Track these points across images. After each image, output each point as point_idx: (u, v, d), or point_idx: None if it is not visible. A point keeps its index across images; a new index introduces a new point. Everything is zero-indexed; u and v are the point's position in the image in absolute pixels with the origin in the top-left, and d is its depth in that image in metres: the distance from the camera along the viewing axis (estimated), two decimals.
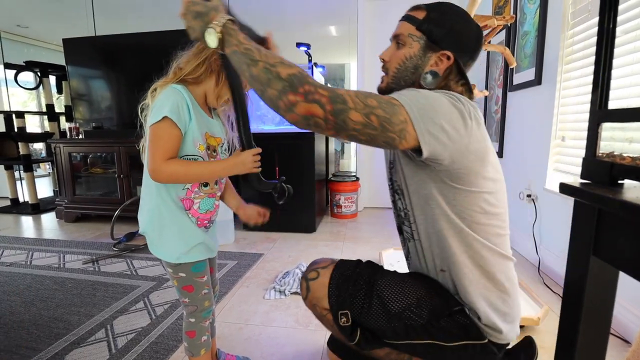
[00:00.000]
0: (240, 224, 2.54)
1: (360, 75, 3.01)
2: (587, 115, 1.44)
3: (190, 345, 0.89)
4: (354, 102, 0.62)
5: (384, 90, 0.79)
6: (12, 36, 3.57)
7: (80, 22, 3.31)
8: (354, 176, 3.02)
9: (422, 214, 0.77)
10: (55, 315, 1.41)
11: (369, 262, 0.91)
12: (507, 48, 1.31)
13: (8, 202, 3.48)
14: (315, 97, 0.60)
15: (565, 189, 0.56)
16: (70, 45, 2.88)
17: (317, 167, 2.54)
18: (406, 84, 0.76)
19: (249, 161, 0.80)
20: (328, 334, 1.25)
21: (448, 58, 0.73)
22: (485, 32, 1.33)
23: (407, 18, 0.76)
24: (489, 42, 1.35)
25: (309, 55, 2.66)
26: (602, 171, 0.54)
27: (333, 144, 3.33)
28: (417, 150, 0.66)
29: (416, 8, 0.77)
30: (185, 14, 0.68)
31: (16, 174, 3.47)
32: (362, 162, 3.14)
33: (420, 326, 0.75)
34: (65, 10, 3.39)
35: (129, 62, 2.86)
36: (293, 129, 2.51)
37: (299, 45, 2.60)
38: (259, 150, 0.82)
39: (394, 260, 1.74)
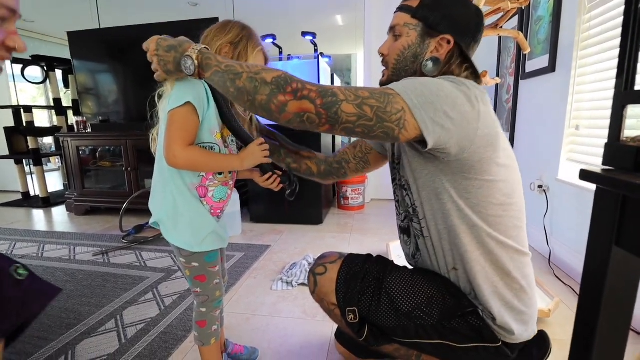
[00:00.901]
0: (248, 216, 2.54)
1: (368, 66, 2.96)
2: (604, 103, 1.40)
3: (200, 335, 0.90)
4: (344, 94, 0.61)
5: (385, 83, 0.76)
6: (18, 30, 3.58)
7: (84, 16, 3.31)
8: None
9: (432, 209, 0.74)
10: (66, 306, 1.42)
11: (379, 257, 0.89)
12: (520, 33, 1.27)
13: (19, 196, 3.54)
14: (304, 93, 0.60)
15: (586, 175, 0.53)
16: (75, 39, 2.88)
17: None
18: (407, 74, 0.73)
19: (257, 151, 0.81)
20: (335, 325, 1.25)
21: (448, 42, 0.70)
22: (498, 16, 1.28)
23: (401, 8, 0.74)
24: (501, 27, 1.30)
25: (315, 45, 2.62)
26: (626, 157, 0.51)
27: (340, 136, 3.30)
28: (422, 142, 0.63)
29: None
30: (157, 50, 0.69)
31: (27, 168, 3.51)
32: None
33: (430, 326, 0.73)
34: (69, 4, 3.38)
35: (134, 55, 2.86)
36: None
37: (304, 34, 2.56)
38: (262, 139, 0.83)
39: (402, 252, 1.72)
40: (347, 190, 2.82)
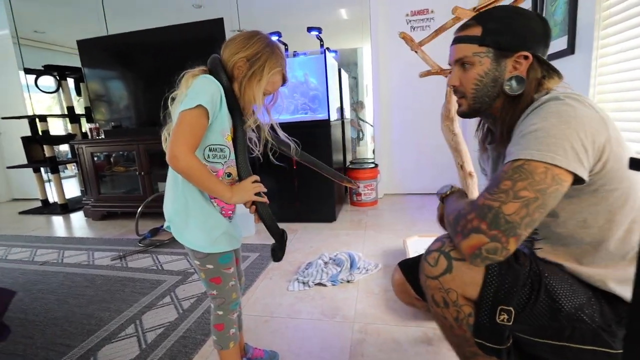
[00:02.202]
0: None
1: (375, 59, 2.89)
2: (630, 84, 1.31)
3: (219, 339, 0.89)
4: (496, 200, 0.59)
5: (467, 112, 0.78)
6: (30, 42, 3.66)
7: (92, 24, 3.34)
8: (373, 162, 2.95)
9: (565, 238, 0.69)
10: (87, 311, 1.44)
11: (520, 250, 0.80)
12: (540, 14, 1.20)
13: (39, 204, 3.63)
14: (468, 227, 0.61)
15: (636, 164, 0.47)
16: (85, 47, 2.91)
17: (335, 155, 2.49)
18: (490, 99, 0.73)
19: (249, 187, 0.81)
20: (356, 325, 1.23)
21: (525, 57, 0.69)
22: None
23: (462, 40, 0.73)
24: None
25: (321, 40, 2.58)
26: None
27: (349, 131, 3.25)
28: (577, 180, 0.60)
29: (466, 26, 0.73)
30: None
31: (45, 176, 3.60)
32: (380, 148, 3.05)
33: (589, 330, 0.65)
34: (77, 13, 3.43)
35: (141, 59, 2.88)
36: (308, 117, 2.46)
37: (310, 29, 2.52)
38: (257, 177, 0.83)
39: (420, 249, 1.68)
40: (359, 186, 2.78)
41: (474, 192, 1.40)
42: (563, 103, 0.61)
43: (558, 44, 1.71)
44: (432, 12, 2.74)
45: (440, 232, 0.84)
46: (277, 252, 0.90)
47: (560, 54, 1.69)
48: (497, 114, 0.75)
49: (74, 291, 1.64)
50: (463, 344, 0.72)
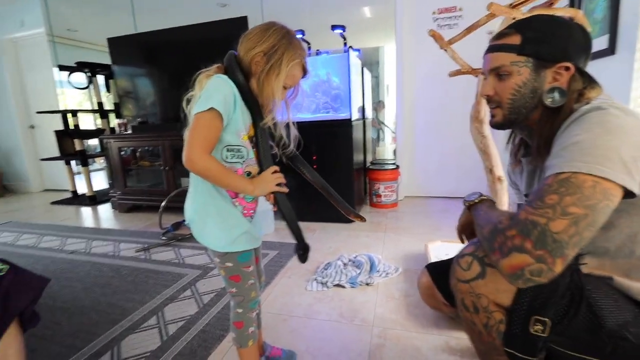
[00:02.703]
0: (279, 213, 2.55)
1: (400, 58, 2.84)
2: None
3: (238, 336, 0.89)
4: (542, 216, 0.54)
5: (502, 123, 0.75)
6: (63, 40, 3.82)
7: (122, 22, 3.45)
8: (394, 164, 2.90)
9: (613, 252, 0.66)
10: (112, 301, 1.49)
11: None
12: (579, 11, 1.14)
13: (69, 195, 3.79)
14: (508, 244, 0.56)
15: None
16: (115, 44, 3.01)
17: (355, 155, 2.46)
18: (527, 110, 0.71)
19: (269, 179, 0.80)
20: (375, 330, 1.21)
21: (567, 69, 0.66)
22: None
23: (499, 47, 0.70)
24: (555, 6, 1.18)
25: (344, 38, 2.56)
26: None
27: (370, 130, 3.22)
28: (627, 194, 0.57)
29: (503, 35, 0.70)
30: None
31: (75, 168, 3.76)
32: (401, 149, 3.00)
33: (634, 349, 0.61)
34: (108, 12, 3.55)
35: (167, 57, 2.95)
36: (329, 116, 2.45)
37: (334, 27, 2.50)
38: (276, 167, 0.82)
39: (442, 254, 1.64)
40: (379, 188, 2.74)
41: (503, 198, 1.34)
42: (607, 113, 0.58)
43: (597, 43, 1.62)
44: (460, 9, 2.66)
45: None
46: (303, 253, 0.88)
47: (600, 54, 1.60)
48: (534, 125, 0.72)
49: (100, 280, 1.69)
50: (491, 352, 0.69)
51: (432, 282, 0.95)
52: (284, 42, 0.77)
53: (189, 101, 0.77)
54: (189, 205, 0.83)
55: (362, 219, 0.98)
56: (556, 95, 0.66)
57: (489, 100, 0.75)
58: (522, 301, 0.63)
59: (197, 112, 0.71)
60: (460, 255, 0.70)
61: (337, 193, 0.98)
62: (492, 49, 0.73)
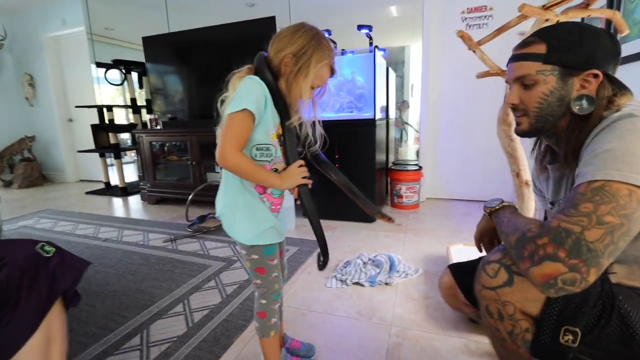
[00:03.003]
0: (300, 211, 2.58)
1: (426, 58, 2.81)
2: None
3: (261, 326, 0.93)
4: (577, 224, 0.54)
5: (528, 131, 0.74)
6: (101, 38, 4.02)
7: (156, 21, 3.59)
8: (416, 164, 2.87)
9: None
10: (141, 287, 1.57)
11: None
12: (617, 12, 1.10)
13: (102, 185, 4.00)
14: (540, 253, 0.55)
15: None
16: (149, 43, 3.14)
17: (378, 155, 2.46)
18: (555, 118, 0.70)
19: (296, 172, 0.84)
20: (393, 329, 1.22)
21: (594, 76, 0.66)
22: None
23: (524, 57, 0.70)
24: (592, 7, 1.14)
25: (370, 38, 2.55)
26: None
27: (393, 131, 3.20)
28: None
29: (528, 43, 0.70)
30: None
31: (108, 160, 3.96)
32: (424, 150, 2.97)
33: None
34: (143, 11, 3.71)
35: (197, 56, 3.04)
36: (353, 115, 2.46)
37: (360, 27, 2.50)
38: (302, 162, 0.85)
39: (463, 257, 1.62)
40: (401, 188, 2.73)
41: (530, 203, 1.31)
42: (639, 119, 0.57)
43: (638, 45, 1.54)
44: (490, 9, 2.59)
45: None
46: (323, 264, 0.92)
47: (638, 56, 1.52)
48: (562, 133, 0.71)
49: (130, 267, 1.79)
50: (514, 359, 0.69)
51: (454, 282, 0.95)
52: (313, 43, 0.79)
53: (222, 102, 0.81)
54: (220, 199, 0.88)
55: (390, 220, 0.99)
56: (584, 102, 0.66)
57: (515, 109, 0.75)
58: (551, 311, 0.62)
59: (231, 112, 0.75)
60: (487, 261, 0.69)
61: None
62: (516, 58, 0.72)
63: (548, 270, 0.54)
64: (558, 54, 0.66)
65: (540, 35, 0.70)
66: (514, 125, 1.36)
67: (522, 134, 0.76)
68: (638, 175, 0.53)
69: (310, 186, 0.88)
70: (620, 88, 0.67)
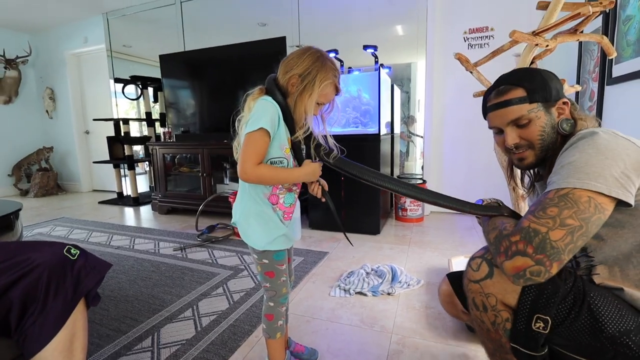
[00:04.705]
0: (306, 222, 2.65)
1: (430, 76, 2.90)
2: None
3: (268, 327, 0.99)
4: (544, 225, 0.63)
5: (535, 163, 0.82)
6: (119, 55, 4.23)
7: (172, 39, 3.78)
8: (421, 178, 2.93)
9: (621, 261, 0.71)
10: (152, 293, 1.64)
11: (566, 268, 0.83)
12: (604, 37, 1.17)
13: (115, 195, 4.12)
14: (512, 249, 0.64)
15: None
16: (165, 60, 3.30)
17: (383, 169, 2.53)
18: (553, 145, 0.80)
19: (318, 171, 0.94)
20: (394, 337, 1.26)
21: (564, 103, 0.79)
22: (577, 21, 1.20)
23: (509, 103, 0.79)
24: (582, 32, 1.21)
25: (376, 57, 2.66)
26: None
27: (398, 145, 3.27)
28: (620, 204, 0.64)
29: (504, 92, 0.80)
30: None
31: (121, 171, 4.10)
32: (429, 164, 3.03)
33: (635, 357, 0.65)
34: (160, 30, 3.90)
35: (211, 73, 3.19)
36: (358, 130, 2.54)
37: (365, 47, 2.61)
38: (308, 160, 0.95)
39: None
40: (405, 202, 2.78)
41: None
42: (599, 137, 0.67)
43: (631, 65, 1.61)
44: (492, 29, 2.69)
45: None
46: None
47: (633, 75, 1.59)
48: (552, 154, 0.81)
49: (142, 274, 1.86)
50: (499, 349, 0.75)
51: (452, 290, 1.00)
52: (317, 64, 0.87)
53: (239, 121, 0.91)
54: (236, 208, 0.96)
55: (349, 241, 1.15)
56: (567, 124, 0.78)
57: (518, 146, 0.82)
58: (525, 300, 0.70)
59: (248, 131, 0.83)
60: (472, 257, 0.78)
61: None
62: (500, 105, 0.81)
63: (518, 263, 0.63)
64: (538, 93, 0.77)
65: (510, 82, 0.80)
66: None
67: (529, 166, 0.84)
68: (596, 182, 0.62)
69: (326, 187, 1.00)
70: (577, 107, 0.81)
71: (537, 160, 0.81)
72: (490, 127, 0.87)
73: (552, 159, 0.78)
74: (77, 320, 0.80)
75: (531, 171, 0.91)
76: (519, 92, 0.78)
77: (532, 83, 0.78)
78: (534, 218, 0.64)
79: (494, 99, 0.82)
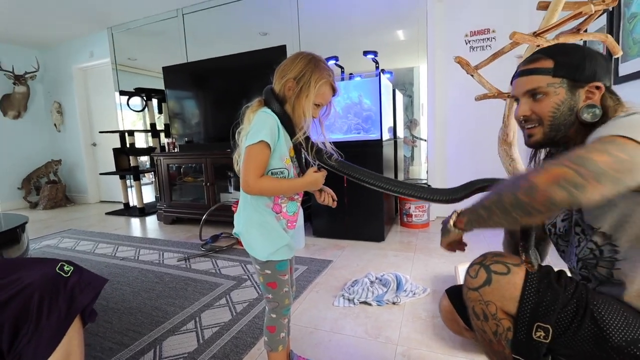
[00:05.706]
0: (310, 230, 2.63)
1: (431, 80, 2.89)
2: None
3: (270, 340, 0.97)
4: (587, 155, 0.55)
5: (542, 141, 0.76)
6: (124, 67, 4.30)
7: (175, 51, 3.83)
8: (425, 184, 2.89)
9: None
10: (156, 304, 1.63)
11: (565, 273, 0.77)
12: (609, 36, 1.14)
13: (121, 206, 4.16)
14: (542, 170, 0.57)
15: None
16: (168, 72, 3.35)
17: (386, 174, 2.50)
18: (567, 127, 0.74)
19: (321, 180, 0.93)
20: (399, 348, 1.22)
21: (597, 88, 0.71)
22: (580, 20, 1.17)
23: (533, 71, 0.75)
24: (585, 31, 1.19)
25: (376, 63, 2.65)
26: None
27: (402, 150, 3.24)
28: None
29: (534, 60, 0.75)
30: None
31: (127, 182, 4.14)
32: (433, 168, 2.99)
33: None
34: (163, 42, 3.96)
35: (213, 83, 3.22)
36: (360, 137, 2.53)
37: (365, 53, 2.61)
38: (326, 173, 0.94)
39: None
40: (410, 207, 2.74)
41: None
42: (632, 116, 0.60)
43: (638, 63, 1.57)
44: (493, 31, 2.67)
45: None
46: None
47: (639, 74, 1.55)
48: (570, 141, 0.75)
49: (146, 285, 1.86)
50: None
51: (452, 307, 0.96)
52: (311, 65, 0.87)
53: (239, 133, 0.90)
54: (238, 218, 0.95)
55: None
56: (596, 110, 0.70)
57: (527, 119, 0.77)
58: (525, 308, 0.67)
59: (249, 144, 0.83)
60: (470, 265, 0.75)
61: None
62: (524, 73, 0.76)
63: (555, 172, 0.54)
64: (566, 68, 0.71)
65: (546, 52, 0.75)
66: (514, 145, 1.39)
67: (535, 144, 0.78)
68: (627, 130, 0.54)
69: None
70: (619, 100, 0.71)
71: (546, 139, 0.75)
72: (511, 96, 0.81)
73: (574, 147, 0.69)
74: (73, 338, 0.79)
75: (541, 160, 0.84)
76: (547, 63, 0.73)
77: (566, 57, 0.72)
78: (569, 162, 0.54)
79: (522, 65, 0.77)
